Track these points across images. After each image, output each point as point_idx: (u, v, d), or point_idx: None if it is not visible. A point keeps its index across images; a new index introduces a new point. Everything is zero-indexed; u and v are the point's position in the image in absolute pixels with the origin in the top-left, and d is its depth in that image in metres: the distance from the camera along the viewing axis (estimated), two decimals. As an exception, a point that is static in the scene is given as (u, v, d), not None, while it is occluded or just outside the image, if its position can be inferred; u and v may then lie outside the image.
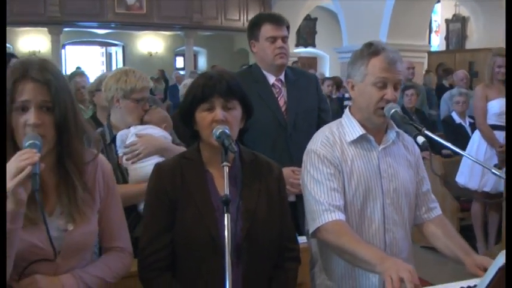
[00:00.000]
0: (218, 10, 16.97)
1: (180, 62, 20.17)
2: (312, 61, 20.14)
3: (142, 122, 3.11)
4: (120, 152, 2.99)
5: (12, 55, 3.66)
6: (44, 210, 1.81)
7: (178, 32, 18.02)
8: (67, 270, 1.94)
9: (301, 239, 2.70)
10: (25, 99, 1.81)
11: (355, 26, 10.86)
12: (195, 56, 20.22)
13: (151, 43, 19.80)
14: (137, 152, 2.92)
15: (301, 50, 19.27)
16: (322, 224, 2.28)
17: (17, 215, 1.71)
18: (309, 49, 19.97)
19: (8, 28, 16.72)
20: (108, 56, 20.48)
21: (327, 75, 15.40)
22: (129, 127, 3.06)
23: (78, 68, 14.22)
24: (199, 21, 16.76)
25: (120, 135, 3.02)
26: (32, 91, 1.82)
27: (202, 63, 20.86)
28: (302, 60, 16.81)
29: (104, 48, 20.46)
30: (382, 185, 2.39)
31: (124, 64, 18.81)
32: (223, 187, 1.87)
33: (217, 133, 2.07)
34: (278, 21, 3.35)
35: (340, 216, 2.28)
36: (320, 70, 16.34)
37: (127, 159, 2.94)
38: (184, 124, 2.28)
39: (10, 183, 1.65)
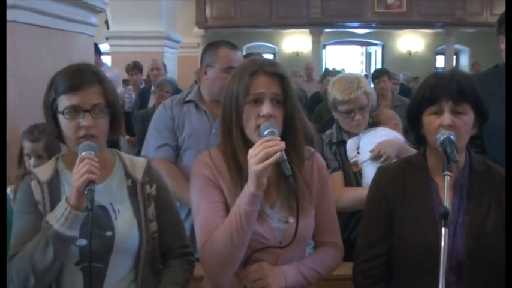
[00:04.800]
0: (483, 5, 16.00)
1: (440, 61, 19.49)
2: None
3: (371, 125, 3.07)
4: (352, 159, 2.98)
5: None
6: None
7: (439, 30, 17.44)
8: (286, 261, 1.99)
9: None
10: (259, 91, 1.90)
11: None
12: (457, 54, 19.34)
13: (410, 42, 19.48)
14: (381, 153, 2.86)
15: None
16: None
17: (257, 198, 1.79)
18: None
19: (273, 30, 18.09)
20: (368, 56, 20.68)
21: None
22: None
23: (333, 68, 14.54)
24: (462, 17, 16.00)
25: (351, 142, 3.01)
26: (265, 84, 1.91)
27: (464, 62, 19.82)
28: None
29: (364, 47, 20.70)
30: None
31: (383, 63, 18.78)
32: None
33: (441, 139, 1.93)
34: None
35: None
36: None
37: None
38: (410, 126, 2.18)
39: (258, 166, 1.72)
